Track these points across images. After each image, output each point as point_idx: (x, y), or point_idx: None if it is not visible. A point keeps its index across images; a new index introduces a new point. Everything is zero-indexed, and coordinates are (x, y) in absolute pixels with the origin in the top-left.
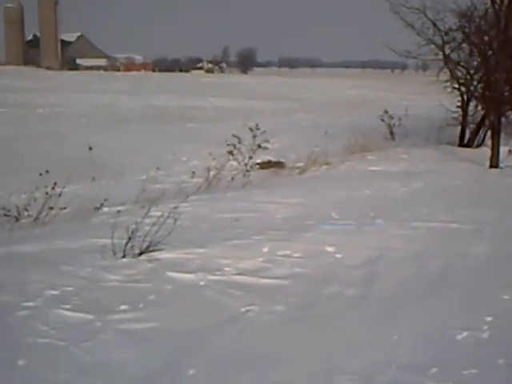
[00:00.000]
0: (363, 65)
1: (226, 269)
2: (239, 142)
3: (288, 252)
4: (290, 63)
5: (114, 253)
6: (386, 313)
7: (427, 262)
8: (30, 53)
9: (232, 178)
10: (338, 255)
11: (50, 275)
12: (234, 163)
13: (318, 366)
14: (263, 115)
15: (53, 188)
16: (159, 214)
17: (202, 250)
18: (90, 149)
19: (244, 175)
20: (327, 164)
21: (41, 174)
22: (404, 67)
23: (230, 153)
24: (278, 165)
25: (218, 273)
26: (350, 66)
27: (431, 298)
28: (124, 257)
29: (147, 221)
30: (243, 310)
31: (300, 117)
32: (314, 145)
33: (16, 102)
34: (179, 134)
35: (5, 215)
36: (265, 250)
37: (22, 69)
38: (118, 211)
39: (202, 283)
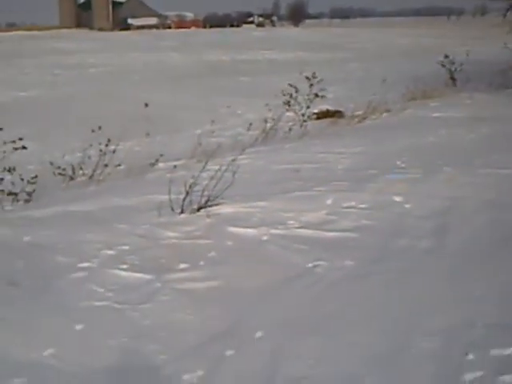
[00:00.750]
0: (417, 12)
1: (289, 222)
2: (296, 92)
3: (353, 203)
4: (342, 14)
5: (172, 209)
6: (465, 267)
7: (502, 212)
8: (82, 16)
9: (289, 129)
10: (407, 205)
11: (106, 234)
12: (291, 114)
13: (397, 327)
14: (317, 66)
15: (106, 145)
16: (216, 167)
17: (262, 204)
18: (146, 105)
19: (301, 126)
20: (388, 111)
21: (93, 131)
22: (461, 12)
23: (287, 103)
24: (337, 114)
25: (281, 227)
26: (404, 15)
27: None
28: (182, 212)
29: (204, 175)
30: (310, 265)
31: (355, 66)
32: (371, 93)
33: (69, 63)
34: (233, 88)
35: (59, 174)
36: (328, 202)
37: (74, 31)
38: (174, 166)
39: (264, 238)
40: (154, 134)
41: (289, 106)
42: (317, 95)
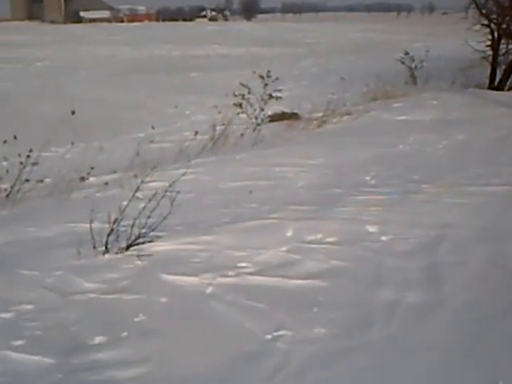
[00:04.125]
0: (368, 8)
1: (241, 265)
2: (249, 92)
3: (319, 236)
4: (294, 9)
5: (94, 246)
6: (480, 335)
7: (503, 243)
8: (33, 8)
9: (241, 134)
10: (384, 238)
11: (5, 285)
12: (243, 116)
13: None
14: (270, 62)
15: (28, 156)
16: (154, 184)
17: (208, 238)
18: (73, 113)
19: (254, 130)
20: (349, 114)
21: (5, 142)
22: (410, 9)
23: (239, 105)
24: (293, 116)
25: (231, 273)
26: (355, 10)
27: None
28: (107, 252)
29: (140, 194)
30: (269, 337)
31: (309, 62)
32: (329, 92)
33: (16, 56)
34: (183, 85)
35: None
36: (288, 233)
37: (25, 24)
38: (106, 183)
39: (208, 291)
40: (92, 138)
41: (241, 107)
42: (271, 96)
